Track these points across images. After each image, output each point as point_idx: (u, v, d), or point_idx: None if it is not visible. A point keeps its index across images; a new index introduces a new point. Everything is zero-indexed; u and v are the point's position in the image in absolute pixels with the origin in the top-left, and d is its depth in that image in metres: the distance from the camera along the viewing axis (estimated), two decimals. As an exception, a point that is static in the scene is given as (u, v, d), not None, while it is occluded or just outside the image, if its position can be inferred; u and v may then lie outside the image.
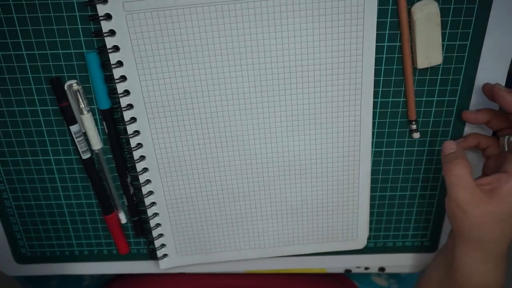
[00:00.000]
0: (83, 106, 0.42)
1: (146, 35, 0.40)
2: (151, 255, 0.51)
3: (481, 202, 0.39)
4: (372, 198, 0.49)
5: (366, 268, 0.54)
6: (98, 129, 0.44)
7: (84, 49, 0.41)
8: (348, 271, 0.54)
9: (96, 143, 0.44)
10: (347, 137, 0.45)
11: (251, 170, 0.47)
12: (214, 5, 0.39)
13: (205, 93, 0.43)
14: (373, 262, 0.53)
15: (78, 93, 0.42)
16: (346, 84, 0.43)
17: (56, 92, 0.42)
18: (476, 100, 0.44)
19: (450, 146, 0.42)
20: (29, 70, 0.42)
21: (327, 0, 0.39)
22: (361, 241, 0.51)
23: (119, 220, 0.49)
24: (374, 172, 0.48)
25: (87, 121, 0.43)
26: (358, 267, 0.54)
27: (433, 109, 0.45)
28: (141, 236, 0.51)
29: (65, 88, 0.42)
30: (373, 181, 0.48)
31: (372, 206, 0.50)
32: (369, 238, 0.51)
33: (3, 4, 0.39)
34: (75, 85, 0.42)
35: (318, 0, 0.39)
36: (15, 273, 0.53)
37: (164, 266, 0.51)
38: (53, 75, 0.42)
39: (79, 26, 0.40)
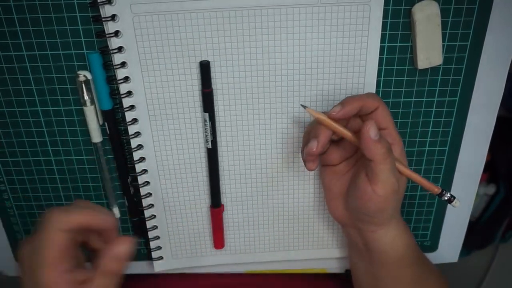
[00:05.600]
0: (87, 98, 0.42)
1: (152, 38, 0.40)
2: (149, 256, 0.51)
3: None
4: (373, 198, 0.49)
5: (366, 268, 0.54)
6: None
7: (84, 49, 0.41)
8: (348, 271, 0.54)
9: (97, 136, 0.44)
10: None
11: (250, 175, 0.47)
12: (221, 11, 0.39)
13: None
14: (373, 262, 0.53)
15: (83, 85, 0.42)
16: (349, 83, 0.43)
17: (203, 76, 0.42)
18: (476, 100, 0.44)
19: (376, 130, 0.37)
20: (29, 71, 0.42)
21: (333, 5, 0.39)
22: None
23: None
24: (374, 172, 0.48)
25: (90, 113, 0.43)
26: (358, 267, 0.54)
27: (434, 109, 0.45)
28: (140, 237, 0.51)
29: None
30: (374, 181, 0.48)
31: (372, 206, 0.50)
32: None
33: (3, 4, 0.39)
34: (81, 76, 0.42)
35: (325, 5, 0.39)
36: (16, 273, 0.53)
37: (158, 268, 0.51)
38: (54, 75, 0.42)
39: (80, 27, 0.40)
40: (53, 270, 0.33)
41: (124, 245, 0.36)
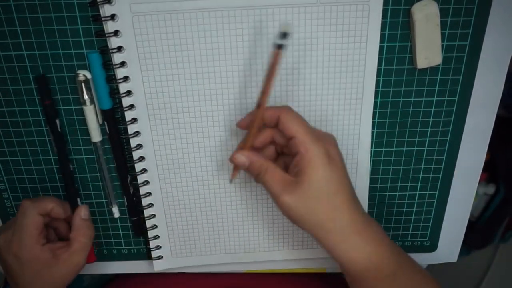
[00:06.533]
0: (87, 97, 0.42)
1: (152, 37, 0.40)
2: (149, 255, 0.51)
3: (293, 188, 0.38)
4: (372, 198, 0.49)
5: (366, 268, 0.54)
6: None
7: (84, 49, 0.41)
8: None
9: (96, 136, 0.45)
10: (346, 139, 0.45)
11: (249, 175, 0.47)
12: (221, 10, 0.39)
13: (207, 97, 0.43)
14: (372, 261, 0.53)
15: (83, 84, 0.42)
16: (348, 83, 0.43)
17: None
18: (476, 99, 0.44)
19: (241, 160, 0.40)
20: (29, 70, 0.42)
21: (333, 5, 0.40)
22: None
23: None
24: (373, 172, 0.48)
25: (90, 112, 0.43)
26: (358, 267, 0.54)
27: (433, 109, 0.45)
28: (140, 236, 0.51)
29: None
30: (373, 181, 0.48)
31: (371, 206, 0.50)
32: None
33: (3, 4, 0.40)
34: (81, 76, 0.42)
35: (324, 5, 0.40)
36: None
37: (158, 267, 0.51)
38: (54, 75, 0.42)
39: (79, 27, 0.40)
40: (36, 243, 0.42)
41: (84, 208, 0.45)
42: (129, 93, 0.42)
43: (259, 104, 0.39)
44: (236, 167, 0.42)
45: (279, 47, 0.37)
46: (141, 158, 0.45)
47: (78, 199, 0.47)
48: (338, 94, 0.43)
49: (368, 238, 0.40)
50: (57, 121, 0.44)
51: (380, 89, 0.44)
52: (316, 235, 0.40)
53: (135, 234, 0.50)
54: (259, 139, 0.41)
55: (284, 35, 0.36)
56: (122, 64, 0.41)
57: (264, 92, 0.39)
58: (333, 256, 0.40)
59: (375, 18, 0.40)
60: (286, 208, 0.39)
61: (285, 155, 0.42)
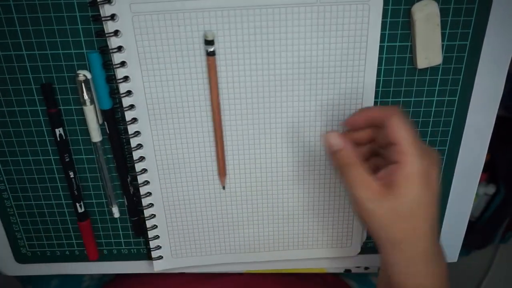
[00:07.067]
0: (87, 98, 0.42)
1: (152, 37, 0.40)
2: (149, 255, 0.51)
3: (381, 197, 0.36)
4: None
5: (366, 268, 0.54)
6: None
7: (84, 49, 0.41)
8: (348, 271, 0.55)
9: (96, 136, 0.44)
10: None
11: (249, 175, 0.47)
12: (221, 10, 0.39)
13: (207, 97, 0.43)
14: (373, 262, 0.53)
15: (83, 84, 0.42)
16: (348, 83, 0.43)
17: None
18: (476, 99, 0.44)
19: (335, 141, 0.37)
20: (29, 70, 0.42)
21: (333, 5, 0.40)
22: (354, 248, 0.51)
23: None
24: (374, 172, 0.48)
25: (90, 112, 0.43)
26: (358, 267, 0.54)
27: (433, 109, 0.45)
28: (140, 236, 0.51)
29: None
30: (373, 181, 0.48)
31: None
32: (369, 238, 0.51)
33: (3, 4, 0.39)
34: (81, 76, 0.42)
35: (324, 5, 0.40)
36: (15, 273, 0.53)
37: (158, 268, 0.51)
38: (53, 75, 0.42)
39: (79, 26, 0.40)
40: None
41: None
42: (129, 93, 0.42)
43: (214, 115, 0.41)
44: (224, 175, 0.43)
45: (209, 53, 0.38)
46: (141, 158, 0.45)
47: (78, 204, 0.47)
48: (338, 94, 0.43)
49: (429, 271, 0.38)
50: (58, 130, 0.44)
51: (380, 89, 0.44)
52: (383, 248, 0.38)
53: (135, 234, 0.50)
54: (358, 135, 0.39)
55: (208, 42, 0.37)
56: (122, 64, 0.41)
57: (213, 99, 0.40)
58: (389, 271, 0.38)
59: (375, 18, 0.40)
60: (368, 215, 0.36)
61: (379, 157, 0.40)
